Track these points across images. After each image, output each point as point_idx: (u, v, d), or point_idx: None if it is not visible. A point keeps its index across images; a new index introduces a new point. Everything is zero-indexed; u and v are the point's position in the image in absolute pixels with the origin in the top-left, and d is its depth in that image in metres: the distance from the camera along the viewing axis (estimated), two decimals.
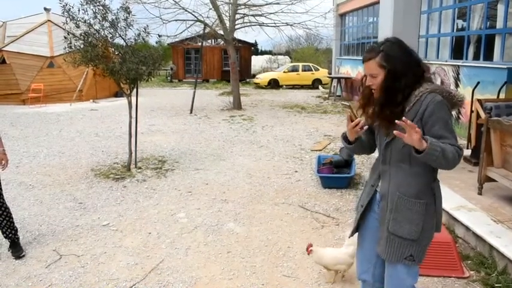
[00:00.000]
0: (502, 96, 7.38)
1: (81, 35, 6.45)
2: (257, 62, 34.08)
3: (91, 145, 9.09)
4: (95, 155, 8.19)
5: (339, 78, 18.54)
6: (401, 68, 2.16)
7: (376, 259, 2.48)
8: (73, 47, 6.51)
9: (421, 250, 2.30)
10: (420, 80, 2.21)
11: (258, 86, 25.02)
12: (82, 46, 6.45)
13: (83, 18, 6.48)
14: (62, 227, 4.84)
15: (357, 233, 2.61)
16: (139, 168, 7.17)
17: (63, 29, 6.80)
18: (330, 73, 22.74)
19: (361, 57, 13.66)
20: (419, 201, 2.24)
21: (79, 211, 5.34)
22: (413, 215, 2.24)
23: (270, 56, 37.25)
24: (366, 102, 2.34)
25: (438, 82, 9.58)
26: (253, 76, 28.88)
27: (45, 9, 18.22)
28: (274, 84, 24.77)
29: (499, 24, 8.55)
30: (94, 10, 6.47)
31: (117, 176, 6.72)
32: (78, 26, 6.50)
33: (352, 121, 2.32)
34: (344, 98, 17.92)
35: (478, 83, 7.99)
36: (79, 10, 6.44)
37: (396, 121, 2.07)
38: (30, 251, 4.27)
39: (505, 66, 7.84)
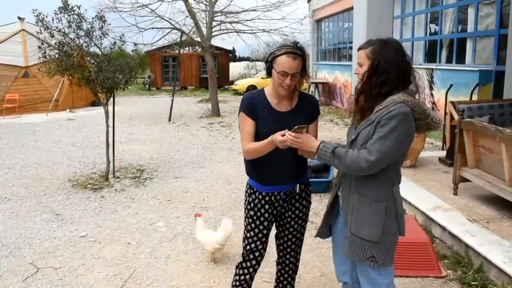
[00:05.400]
0: (475, 98, 7.57)
1: (55, 44, 6.38)
2: (235, 68, 34.08)
3: (68, 155, 8.96)
4: (72, 166, 8.08)
5: (316, 83, 18.70)
6: (385, 65, 2.19)
7: (352, 261, 2.51)
8: (48, 57, 6.43)
9: (383, 253, 2.30)
10: (402, 85, 2.23)
11: (237, 93, 25.04)
12: (57, 55, 6.38)
13: (57, 28, 6.41)
14: (38, 240, 4.75)
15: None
16: (118, 177, 7.10)
17: (38, 39, 6.71)
18: None
19: (337, 62, 13.88)
20: (379, 204, 2.26)
21: (56, 223, 5.26)
22: (373, 218, 2.27)
23: (248, 62, 37.28)
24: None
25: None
26: (232, 83, 28.88)
27: (19, 18, 17.92)
28: (252, 90, 24.78)
29: (470, 27, 8.76)
30: (68, 19, 6.41)
31: (95, 186, 6.64)
32: (52, 36, 6.43)
33: None
34: (322, 103, 18.08)
35: (451, 85, 8.17)
36: (53, 19, 6.37)
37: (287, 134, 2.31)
38: (6, 265, 4.18)
39: (477, 69, 8.04)
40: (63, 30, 6.43)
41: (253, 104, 2.64)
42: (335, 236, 2.61)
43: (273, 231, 2.96)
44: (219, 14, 15.04)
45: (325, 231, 2.65)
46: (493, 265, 3.52)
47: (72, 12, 6.41)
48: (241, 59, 46.63)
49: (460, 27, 9.21)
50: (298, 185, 2.73)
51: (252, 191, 2.79)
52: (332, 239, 2.66)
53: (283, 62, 2.44)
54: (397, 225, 2.33)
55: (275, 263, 3.13)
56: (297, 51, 2.46)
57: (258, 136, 2.59)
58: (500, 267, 3.44)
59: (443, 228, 4.29)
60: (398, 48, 2.26)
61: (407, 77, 2.26)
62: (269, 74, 2.56)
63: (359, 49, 2.30)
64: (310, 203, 2.89)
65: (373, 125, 2.20)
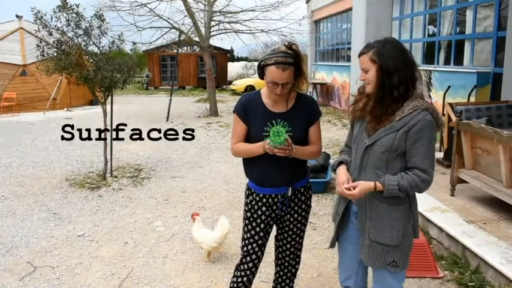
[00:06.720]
0: (472, 99, 7.58)
1: (54, 42, 6.36)
2: (233, 68, 34.11)
3: (65, 154, 8.95)
4: (70, 164, 8.06)
5: (314, 84, 18.70)
6: (393, 65, 2.16)
7: (358, 266, 2.52)
8: (46, 55, 6.42)
9: (403, 255, 2.31)
10: (413, 83, 2.23)
11: (235, 93, 25.04)
12: (55, 54, 6.37)
13: (55, 26, 6.40)
14: (36, 239, 4.75)
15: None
16: (115, 177, 7.09)
17: (36, 37, 6.70)
18: None
19: (335, 63, 13.83)
20: (398, 207, 2.27)
21: (53, 222, 5.25)
22: (393, 221, 2.27)
23: (246, 62, 37.30)
24: (361, 97, 2.39)
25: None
26: (230, 83, 28.89)
27: (17, 16, 17.88)
28: (250, 90, 24.76)
29: (468, 29, 8.77)
30: (67, 18, 6.40)
31: (92, 185, 6.63)
32: (51, 34, 6.41)
33: None
34: (320, 103, 18.09)
35: (449, 87, 8.19)
36: (52, 18, 6.36)
37: (346, 193, 2.24)
38: (3, 263, 4.17)
39: (475, 71, 8.05)
40: (61, 29, 6.42)
41: (247, 106, 2.65)
42: (343, 243, 2.57)
43: (274, 232, 2.95)
44: (218, 13, 15.02)
45: (336, 240, 2.63)
46: (490, 266, 3.53)
47: (71, 11, 6.39)
48: (239, 59, 46.67)
49: (458, 29, 9.22)
50: (290, 188, 2.68)
51: (249, 192, 2.80)
52: (339, 245, 2.63)
53: (273, 73, 2.41)
54: (412, 228, 2.34)
55: (273, 264, 3.13)
56: (287, 59, 2.39)
57: (251, 136, 2.65)
58: (497, 268, 3.45)
59: (441, 229, 4.30)
60: (399, 45, 2.24)
61: (414, 74, 2.25)
62: (261, 78, 2.55)
63: (360, 54, 2.27)
64: (310, 206, 2.85)
65: (399, 133, 2.18)
